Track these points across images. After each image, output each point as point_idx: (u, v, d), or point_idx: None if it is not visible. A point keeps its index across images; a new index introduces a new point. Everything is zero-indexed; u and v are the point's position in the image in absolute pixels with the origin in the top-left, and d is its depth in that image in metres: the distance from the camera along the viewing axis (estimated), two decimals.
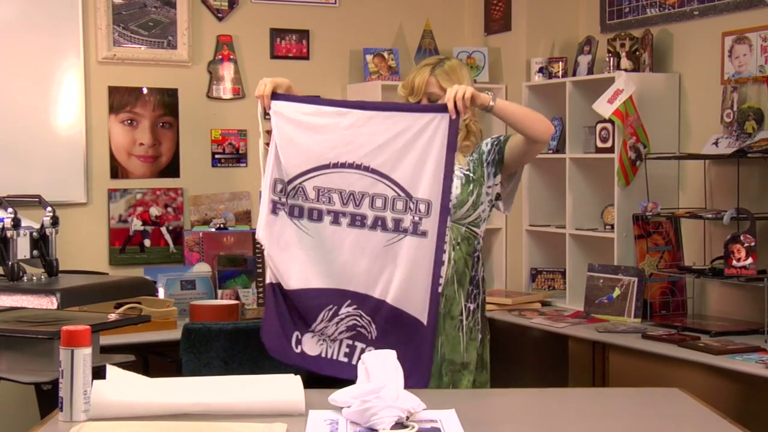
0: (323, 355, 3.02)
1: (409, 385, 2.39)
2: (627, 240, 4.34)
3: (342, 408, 2.28)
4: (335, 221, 2.96)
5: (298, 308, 3.01)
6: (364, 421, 2.19)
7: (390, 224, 2.91)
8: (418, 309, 2.90)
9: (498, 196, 3.17)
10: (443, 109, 2.88)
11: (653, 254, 4.24)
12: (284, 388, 2.37)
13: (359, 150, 2.93)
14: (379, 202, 2.92)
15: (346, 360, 2.99)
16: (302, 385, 2.38)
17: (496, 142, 3.14)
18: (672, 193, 4.41)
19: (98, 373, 2.32)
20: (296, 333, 3.03)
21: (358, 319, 2.98)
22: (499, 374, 4.92)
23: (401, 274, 2.90)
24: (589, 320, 4.27)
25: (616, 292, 4.26)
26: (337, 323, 2.99)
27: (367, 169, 2.92)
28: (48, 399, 2.80)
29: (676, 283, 4.24)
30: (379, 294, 2.94)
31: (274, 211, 3.00)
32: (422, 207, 2.88)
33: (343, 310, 2.98)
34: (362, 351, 2.94)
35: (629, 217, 4.28)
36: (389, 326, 2.94)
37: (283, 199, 3.00)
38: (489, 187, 3.12)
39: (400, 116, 2.92)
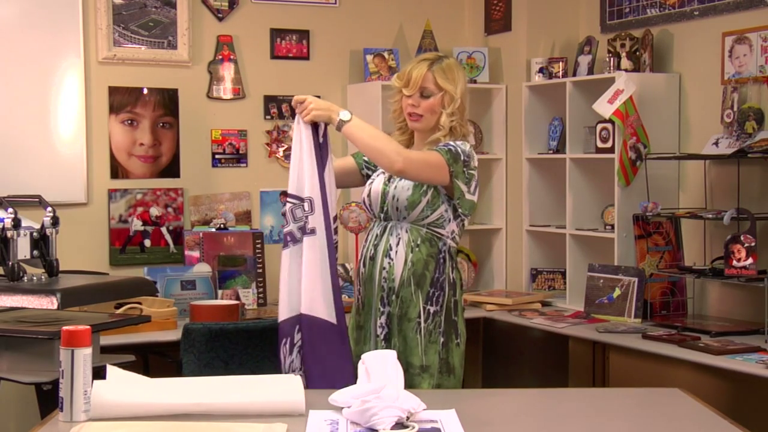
0: None
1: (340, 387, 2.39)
2: (627, 240, 4.34)
3: (342, 408, 2.28)
4: (284, 246, 2.99)
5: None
6: (365, 421, 2.19)
7: (297, 235, 2.94)
8: (325, 310, 2.90)
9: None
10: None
11: (653, 254, 4.24)
12: (284, 388, 2.37)
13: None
14: (288, 219, 2.96)
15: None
16: (302, 385, 2.38)
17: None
18: (672, 193, 4.41)
19: (98, 373, 2.32)
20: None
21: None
22: (499, 374, 4.94)
23: (304, 277, 2.90)
24: (590, 320, 4.27)
25: (617, 292, 4.26)
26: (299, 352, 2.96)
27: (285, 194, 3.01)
28: (48, 399, 2.80)
29: (677, 284, 4.24)
30: (301, 308, 2.92)
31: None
32: (306, 205, 2.92)
33: (296, 337, 2.95)
34: (302, 373, 2.91)
35: (629, 217, 4.28)
36: (312, 337, 2.91)
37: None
38: (444, 187, 3.05)
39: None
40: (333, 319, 2.91)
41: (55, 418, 2.27)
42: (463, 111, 3.12)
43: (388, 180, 3.11)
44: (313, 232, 2.91)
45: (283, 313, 2.96)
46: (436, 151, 3.00)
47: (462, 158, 3.02)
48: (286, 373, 2.92)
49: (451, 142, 3.05)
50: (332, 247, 2.92)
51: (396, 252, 3.06)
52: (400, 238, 3.06)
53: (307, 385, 2.83)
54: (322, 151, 2.95)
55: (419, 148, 3.13)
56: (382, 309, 3.07)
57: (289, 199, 2.96)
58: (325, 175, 2.94)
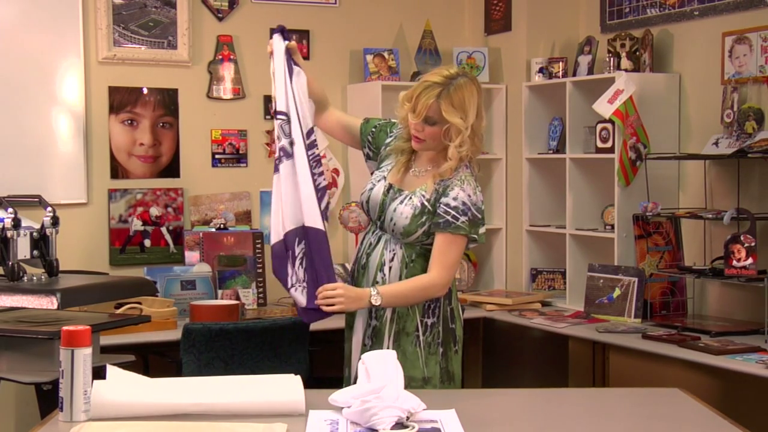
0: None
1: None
2: (627, 240, 4.34)
3: (342, 408, 2.28)
4: (278, 164, 3.02)
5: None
6: (365, 422, 2.19)
7: (289, 149, 2.98)
8: (316, 218, 2.95)
9: None
10: (277, 30, 3.05)
11: (653, 254, 4.24)
12: (284, 388, 2.37)
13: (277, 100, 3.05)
14: (280, 134, 3.00)
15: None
16: (302, 385, 2.38)
17: (436, 215, 2.98)
18: (672, 193, 4.41)
19: (98, 373, 2.32)
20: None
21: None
22: (499, 374, 4.94)
23: (299, 191, 2.95)
24: (590, 320, 4.27)
25: (617, 292, 4.26)
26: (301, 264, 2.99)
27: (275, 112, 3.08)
28: (48, 399, 2.80)
29: (677, 284, 4.24)
30: (305, 220, 2.98)
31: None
32: (283, 116, 2.99)
33: (297, 250, 2.98)
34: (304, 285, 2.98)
35: (629, 217, 4.28)
36: (314, 247, 2.96)
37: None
38: None
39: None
40: (322, 226, 2.96)
41: (55, 418, 2.27)
42: (474, 137, 2.98)
43: (388, 191, 3.06)
44: (293, 144, 2.98)
45: (279, 230, 2.97)
46: (455, 234, 2.93)
47: (478, 216, 2.98)
48: (291, 287, 2.96)
49: (465, 199, 2.94)
50: (313, 158, 2.98)
51: (390, 268, 3.03)
52: (394, 254, 3.03)
53: (306, 301, 2.95)
54: (289, 67, 3.02)
55: (422, 165, 3.06)
56: (370, 322, 3.06)
57: (278, 116, 3.01)
58: (294, 87, 3.00)
